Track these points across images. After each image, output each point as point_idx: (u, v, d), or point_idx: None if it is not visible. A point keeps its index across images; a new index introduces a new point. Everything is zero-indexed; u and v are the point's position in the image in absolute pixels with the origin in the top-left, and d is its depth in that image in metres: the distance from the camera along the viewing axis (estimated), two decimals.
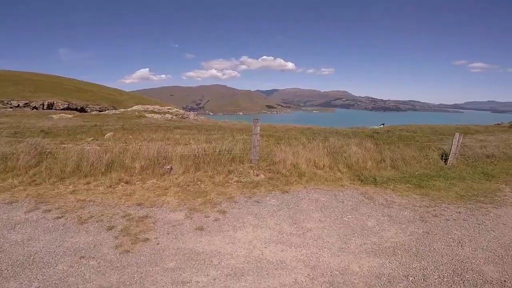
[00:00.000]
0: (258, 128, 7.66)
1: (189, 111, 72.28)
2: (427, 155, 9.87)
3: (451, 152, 9.37)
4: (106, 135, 16.17)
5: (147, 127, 22.04)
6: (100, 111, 49.52)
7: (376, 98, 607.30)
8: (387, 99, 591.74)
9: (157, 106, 50.04)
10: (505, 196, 6.52)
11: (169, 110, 48.61)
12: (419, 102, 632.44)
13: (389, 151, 9.50)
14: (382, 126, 40.54)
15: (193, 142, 10.71)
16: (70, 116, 31.02)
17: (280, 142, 11.41)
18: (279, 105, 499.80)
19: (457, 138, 9.40)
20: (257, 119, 7.88)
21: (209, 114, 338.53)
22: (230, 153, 7.91)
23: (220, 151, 7.84)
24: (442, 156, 9.76)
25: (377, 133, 19.10)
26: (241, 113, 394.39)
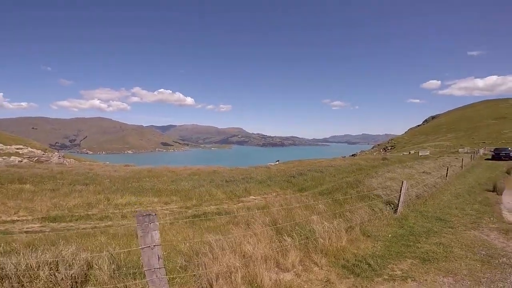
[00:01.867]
0: (155, 236, 3.33)
1: (57, 150, 55.68)
2: (374, 209, 8.32)
3: (400, 202, 8.51)
4: None
5: None
6: None
7: (265, 134, 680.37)
8: (274, 135, 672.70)
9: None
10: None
11: (18, 150, 34.95)
12: (297, 137, 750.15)
13: (342, 209, 7.27)
14: (277, 162, 42.20)
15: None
16: None
17: (192, 207, 7.14)
18: (176, 142, 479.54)
19: (405, 186, 8.62)
20: (148, 214, 3.43)
21: (86, 153, 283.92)
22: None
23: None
24: (386, 205, 8.73)
25: (293, 177, 17.62)
26: (130, 151, 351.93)
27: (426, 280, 4.24)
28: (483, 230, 6.82)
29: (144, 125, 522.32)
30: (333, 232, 5.33)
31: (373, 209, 7.97)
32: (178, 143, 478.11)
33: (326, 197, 10.30)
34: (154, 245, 3.12)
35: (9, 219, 8.40)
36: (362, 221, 6.71)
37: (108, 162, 33.51)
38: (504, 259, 4.98)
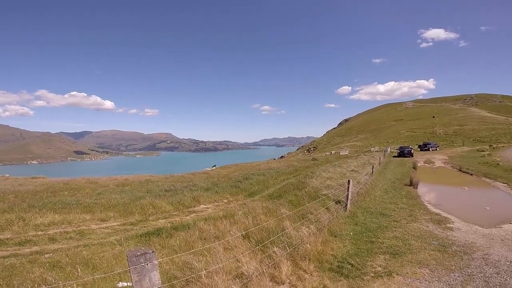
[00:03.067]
0: (154, 278, 2.60)
1: None
2: (329, 208, 8.74)
3: (348, 200, 8.99)
4: None
5: None
6: None
7: (198, 140, 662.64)
8: (207, 140, 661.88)
9: None
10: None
11: None
12: (231, 141, 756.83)
13: (302, 211, 7.34)
14: (214, 167, 41.64)
15: None
16: None
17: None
18: (93, 150, 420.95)
19: (351, 185, 9.13)
20: (144, 253, 2.66)
21: None
22: None
23: None
24: (337, 204, 9.20)
25: (239, 182, 17.25)
26: (35, 161, 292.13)
27: (407, 273, 4.50)
28: (421, 222, 7.65)
29: (52, 132, 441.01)
30: (310, 236, 5.22)
31: (328, 209, 8.31)
32: (96, 151, 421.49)
33: (277, 200, 10.26)
34: None
35: None
36: (326, 222, 6.88)
37: (8, 175, 26.69)
38: (454, 247, 5.68)
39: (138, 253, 2.40)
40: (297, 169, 25.51)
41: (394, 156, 36.02)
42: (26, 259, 5.21)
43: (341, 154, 48.56)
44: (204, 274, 3.19)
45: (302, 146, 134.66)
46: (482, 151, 33.82)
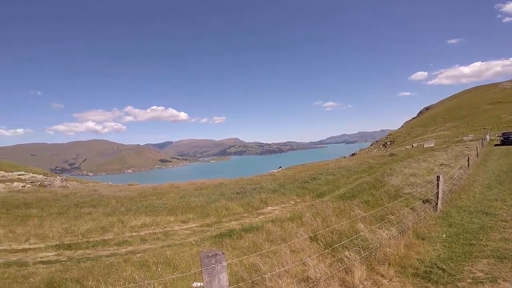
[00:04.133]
0: (223, 279, 2.83)
1: (58, 174, 54.62)
2: (414, 208, 7.84)
3: (439, 198, 7.97)
4: None
5: None
6: None
7: (262, 142, 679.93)
8: (271, 142, 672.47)
9: (1, 172, 34.64)
10: None
11: (20, 176, 34.09)
12: (295, 142, 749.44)
13: (381, 212, 6.67)
14: (280, 169, 41.74)
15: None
16: None
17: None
18: (175, 158, 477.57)
19: (442, 181, 8.06)
20: (214, 254, 2.95)
21: (87, 175, 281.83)
22: None
23: None
24: (424, 204, 8.20)
25: (306, 182, 16.96)
26: (130, 170, 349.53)
27: None
28: None
29: (141, 144, 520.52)
30: (390, 239, 4.74)
31: (413, 209, 7.48)
32: (177, 158, 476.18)
33: (350, 201, 9.68)
34: None
35: (20, 247, 7.79)
36: (410, 223, 6.15)
37: (111, 183, 32.74)
38: None
39: (210, 254, 2.57)
40: (372, 166, 23.51)
41: (496, 145, 29.90)
42: (122, 258, 6.22)
43: (425, 146, 42.48)
44: (268, 277, 3.22)
45: (376, 141, 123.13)
46: None
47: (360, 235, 4.93)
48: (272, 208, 11.60)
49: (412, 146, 49.68)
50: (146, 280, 3.99)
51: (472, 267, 4.30)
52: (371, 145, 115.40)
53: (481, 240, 5.37)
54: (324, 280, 3.42)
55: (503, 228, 5.96)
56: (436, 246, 5.21)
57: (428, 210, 7.50)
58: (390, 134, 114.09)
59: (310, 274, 3.50)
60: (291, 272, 3.55)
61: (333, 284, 3.47)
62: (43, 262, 6.60)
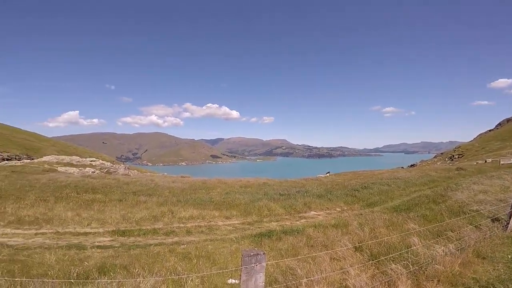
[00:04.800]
0: (259, 279, 2.85)
1: (122, 163, 61.85)
2: (479, 226, 6.98)
3: (511, 218, 6.97)
4: None
5: (40, 189, 14.73)
6: (7, 159, 37.75)
7: (311, 145, 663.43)
8: (320, 146, 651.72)
9: (76, 157, 40.54)
10: None
11: (92, 162, 39.47)
12: (347, 148, 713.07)
13: (438, 227, 5.91)
14: (328, 174, 39.94)
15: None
16: None
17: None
18: (224, 154, 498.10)
19: None
20: (256, 254, 3.02)
21: (147, 165, 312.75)
22: None
23: None
24: (492, 222, 7.39)
25: (356, 191, 15.95)
26: (183, 163, 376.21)
27: None
28: None
29: (196, 139, 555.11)
30: (445, 256, 4.16)
31: (478, 227, 6.61)
32: (226, 155, 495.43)
33: (405, 214, 8.81)
34: None
35: (82, 231, 8.77)
36: (472, 241, 5.36)
37: (166, 174, 35.61)
38: None
39: (251, 254, 2.57)
40: (433, 179, 21.03)
41: None
42: (167, 248, 6.63)
43: (502, 163, 36.28)
44: (305, 282, 3.06)
45: (441, 153, 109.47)
46: None
47: (411, 249, 4.44)
48: (315, 213, 11.18)
49: (486, 161, 42.87)
50: (186, 273, 4.17)
51: None
52: (434, 157, 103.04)
53: None
54: None
55: None
56: (498, 267, 4.66)
57: (496, 229, 6.73)
58: (459, 147, 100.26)
59: (349, 283, 3.25)
60: (328, 279, 3.34)
61: None
62: (99, 247, 7.30)
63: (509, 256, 5.21)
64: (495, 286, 4.02)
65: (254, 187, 20.68)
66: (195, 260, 5.33)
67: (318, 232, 6.46)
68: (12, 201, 11.39)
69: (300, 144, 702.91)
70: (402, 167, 56.68)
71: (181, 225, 9.24)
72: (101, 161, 41.71)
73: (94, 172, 33.13)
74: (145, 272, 4.66)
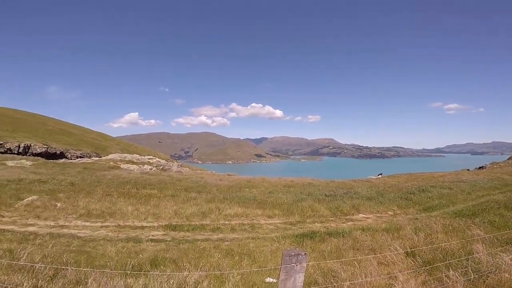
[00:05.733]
0: (298, 279, 2.81)
1: (176, 160, 66.71)
2: None
3: None
4: (24, 201, 10.86)
5: (106, 184, 16.79)
6: (80, 157, 44.14)
7: (361, 145, 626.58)
8: (372, 146, 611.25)
9: (136, 155, 44.91)
10: None
11: (149, 160, 43.37)
12: (402, 148, 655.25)
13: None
14: (380, 176, 37.27)
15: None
16: (29, 163, 25.63)
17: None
18: (268, 154, 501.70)
19: None
20: (297, 254, 2.94)
21: (197, 163, 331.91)
22: None
23: None
24: None
25: (412, 194, 14.58)
26: (230, 162, 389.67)
27: None
28: None
29: (241, 138, 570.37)
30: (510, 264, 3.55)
31: None
32: (270, 154, 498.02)
33: (469, 219, 7.77)
34: None
35: (139, 224, 9.58)
36: None
37: (214, 171, 37.31)
38: None
39: (292, 253, 2.56)
40: (507, 184, 18.16)
41: None
42: (213, 244, 6.92)
43: None
44: (347, 285, 2.92)
45: None
46: None
47: (473, 256, 3.90)
48: (364, 216, 10.54)
49: None
50: (228, 269, 4.33)
51: None
52: (508, 158, 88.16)
53: None
54: None
55: None
56: None
57: None
58: None
59: None
60: (373, 284, 3.12)
61: None
62: (153, 240, 7.84)
63: None
64: None
65: (298, 187, 20.38)
66: (237, 257, 5.49)
67: (366, 235, 6.08)
68: (83, 195, 13.08)
69: (349, 143, 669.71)
70: (468, 169, 50.08)
71: (226, 222, 9.59)
72: (157, 159, 45.62)
73: (151, 169, 36.34)
74: (192, 266, 4.86)
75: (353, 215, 10.55)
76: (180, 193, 15.15)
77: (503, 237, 4.99)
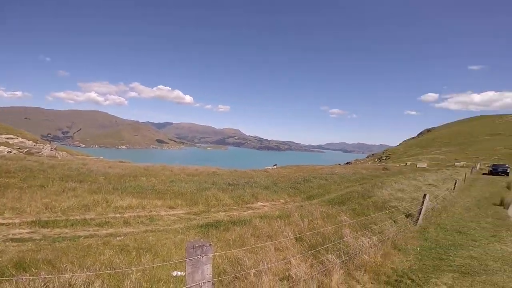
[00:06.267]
0: (207, 271, 2.77)
1: (49, 142, 53.94)
2: (396, 221, 8.25)
3: (421, 214, 8.53)
4: None
5: None
6: None
7: (262, 138, 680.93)
8: (270, 139, 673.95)
9: None
10: None
11: (8, 140, 33.64)
12: (294, 142, 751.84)
13: (365, 221, 6.90)
14: (275, 166, 41.88)
15: None
16: None
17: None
18: (172, 140, 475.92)
19: (427, 199, 8.73)
20: (201, 246, 2.94)
21: (79, 147, 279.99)
22: None
23: None
24: (406, 218, 8.92)
25: (299, 184, 17.06)
26: (124, 147, 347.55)
27: None
28: (506, 243, 6.74)
29: (141, 121, 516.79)
30: (370, 247, 4.86)
31: (396, 222, 7.82)
32: (174, 141, 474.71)
33: (338, 207, 9.87)
34: (205, 282, 2.47)
35: None
36: (391, 234, 6.34)
37: (102, 157, 32.32)
38: None
39: (196, 245, 2.50)
40: (364, 177, 23.77)
41: (483, 174, 31.84)
42: (101, 241, 6.06)
43: (418, 166, 43.05)
44: (253, 273, 3.22)
45: (372, 154, 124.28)
46: None
47: (343, 240, 5.05)
48: (262, 204, 11.62)
49: (406, 164, 50.20)
50: (124, 266, 3.94)
51: (438, 279, 4.64)
52: (367, 157, 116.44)
53: (450, 255, 5.76)
54: (304, 280, 3.46)
55: (472, 246, 6.42)
56: (410, 258, 5.53)
57: (408, 224, 8.01)
58: (387, 150, 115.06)
59: (292, 273, 3.55)
60: (273, 269, 3.57)
61: (312, 285, 3.54)
62: (15, 240, 6.32)
63: (418, 248, 6.19)
64: (408, 275, 4.70)
65: (203, 175, 20.36)
66: (134, 253, 5.05)
67: (264, 223, 6.76)
68: None
69: (252, 135, 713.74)
70: (340, 164, 62.87)
71: (118, 215, 8.52)
72: (21, 139, 35.83)
73: (10, 152, 28.36)
74: (75, 266, 4.18)
75: (252, 203, 11.45)
76: (53, 182, 12.44)
77: (362, 222, 6.66)
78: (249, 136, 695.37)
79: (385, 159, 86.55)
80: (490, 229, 8.24)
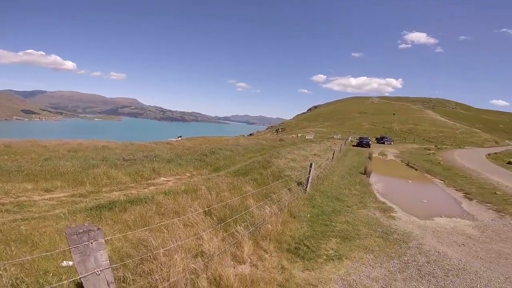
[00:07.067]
0: (101, 258, 2.43)
1: None
2: (291, 189, 8.96)
3: (309, 183, 9.30)
4: None
5: None
6: None
7: (165, 108, 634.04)
8: (174, 109, 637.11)
9: None
10: None
11: None
12: (200, 114, 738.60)
13: (266, 190, 7.45)
14: (179, 138, 40.61)
15: None
16: None
17: None
18: (44, 110, 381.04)
19: (313, 168, 9.50)
20: (87, 230, 2.41)
21: None
22: None
23: None
24: (298, 186, 9.55)
25: (205, 156, 16.92)
26: None
27: (355, 257, 4.85)
28: (370, 209, 8.14)
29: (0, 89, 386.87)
30: (272, 216, 5.34)
31: (290, 190, 8.42)
32: (48, 111, 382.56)
33: (243, 178, 10.32)
34: (102, 269, 2.11)
35: None
36: (287, 202, 7.07)
37: None
38: (395, 235, 6.22)
39: (80, 231, 2.13)
40: (264, 147, 25.78)
41: (353, 145, 38.16)
42: None
43: (306, 138, 50.19)
44: (162, 252, 3.06)
45: (271, 126, 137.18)
46: (429, 150, 37.57)
47: (249, 210, 5.34)
48: (165, 179, 11.02)
49: (297, 135, 57.75)
50: None
51: (326, 245, 5.24)
52: (266, 129, 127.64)
53: (332, 221, 6.64)
54: (217, 254, 3.56)
55: (347, 212, 7.60)
56: (303, 225, 6.15)
57: (300, 192, 8.74)
58: (283, 123, 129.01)
59: (205, 248, 3.58)
60: (185, 246, 3.50)
61: (226, 259, 3.67)
62: None
63: (308, 215, 6.76)
64: (304, 242, 5.13)
65: (89, 151, 17.41)
66: (2, 246, 3.95)
67: (169, 199, 6.44)
68: None
69: (152, 105, 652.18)
70: (243, 135, 66.29)
71: None
72: None
73: None
74: None
75: (154, 179, 10.71)
76: None
77: (263, 192, 7.10)
78: (149, 106, 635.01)
79: (281, 131, 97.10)
80: (358, 195, 9.59)
